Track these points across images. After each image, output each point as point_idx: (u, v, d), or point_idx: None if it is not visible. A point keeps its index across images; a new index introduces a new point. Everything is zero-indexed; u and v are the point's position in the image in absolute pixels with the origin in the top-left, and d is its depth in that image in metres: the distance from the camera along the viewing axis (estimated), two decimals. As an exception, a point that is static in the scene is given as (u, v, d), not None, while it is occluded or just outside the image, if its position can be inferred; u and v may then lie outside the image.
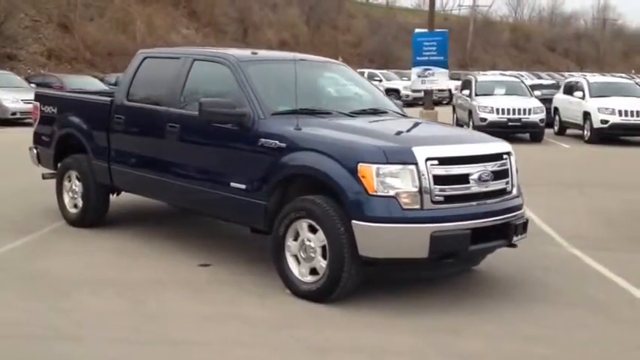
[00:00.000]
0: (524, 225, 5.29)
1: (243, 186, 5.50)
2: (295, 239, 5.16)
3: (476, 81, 18.47)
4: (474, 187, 4.96)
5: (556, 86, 22.23)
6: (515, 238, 5.18)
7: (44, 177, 8.10)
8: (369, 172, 4.71)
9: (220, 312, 4.90)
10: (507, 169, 5.25)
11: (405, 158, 4.74)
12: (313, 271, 5.06)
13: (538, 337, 4.49)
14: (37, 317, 4.74)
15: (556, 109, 19.36)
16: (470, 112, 17.60)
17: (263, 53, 6.44)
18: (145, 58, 6.83)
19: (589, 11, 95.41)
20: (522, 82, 20.28)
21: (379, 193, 4.69)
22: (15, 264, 6.00)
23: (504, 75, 27.33)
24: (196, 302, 5.09)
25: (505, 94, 17.96)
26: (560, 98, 19.45)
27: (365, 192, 4.71)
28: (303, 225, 5.08)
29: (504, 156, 5.27)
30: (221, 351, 4.22)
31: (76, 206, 7.39)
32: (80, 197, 7.30)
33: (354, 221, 4.74)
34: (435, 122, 8.90)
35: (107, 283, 5.48)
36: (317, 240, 4.99)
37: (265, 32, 44.88)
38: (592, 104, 17.21)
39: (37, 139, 7.94)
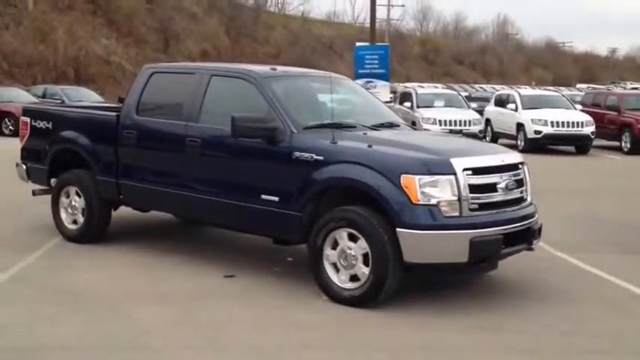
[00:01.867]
0: (540, 230, 5.78)
1: (275, 198, 5.71)
2: (333, 248, 5.42)
3: (416, 93, 19.23)
4: (501, 195, 5.40)
5: (484, 99, 23.36)
6: (534, 242, 5.66)
7: (35, 193, 7.99)
8: (412, 182, 5.05)
9: (274, 318, 5.11)
10: (523, 179, 5.72)
11: (445, 169, 5.12)
12: (353, 278, 5.34)
13: (575, 332, 4.97)
14: (93, 330, 4.80)
15: (488, 120, 20.39)
16: (413, 124, 18.28)
17: (281, 69, 6.67)
18: (153, 73, 6.91)
19: (490, 26, 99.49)
20: (459, 94, 21.25)
21: (422, 202, 5.04)
22: (39, 281, 5.96)
23: (437, 87, 28.41)
24: (244, 310, 5.28)
25: (444, 106, 18.81)
26: (491, 110, 20.51)
27: (409, 201, 5.05)
28: (342, 234, 5.35)
29: (520, 166, 5.73)
30: (299, 353, 4.45)
31: (75, 222, 7.32)
32: (80, 213, 7.26)
33: (398, 229, 5.06)
34: (448, 134, 9.30)
35: (145, 296, 5.59)
36: (358, 248, 5.27)
37: (186, 43, 44.51)
38: (525, 116, 18.29)
39: (27, 155, 7.82)
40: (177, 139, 6.37)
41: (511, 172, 5.54)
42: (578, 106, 20.17)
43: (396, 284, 5.27)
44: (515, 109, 18.88)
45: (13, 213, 8.67)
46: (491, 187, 5.33)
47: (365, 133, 5.83)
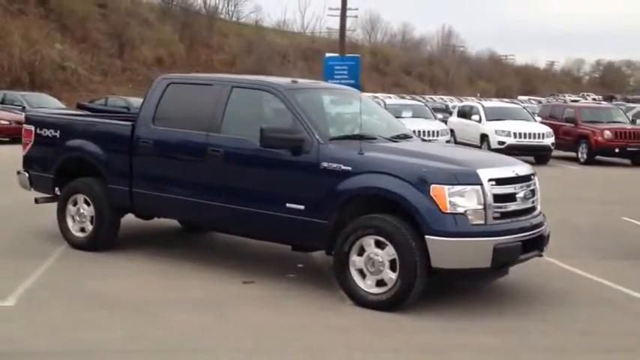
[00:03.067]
0: (548, 237, 6.15)
1: (301, 206, 5.92)
2: (360, 255, 5.67)
3: (385, 104, 19.65)
4: (519, 205, 5.74)
5: (445, 110, 24.01)
6: (544, 249, 6.03)
7: (37, 201, 7.99)
8: (442, 192, 5.35)
9: (309, 322, 5.33)
10: (534, 189, 6.08)
11: (472, 180, 5.44)
12: (379, 283, 5.60)
13: (593, 332, 5.35)
14: (138, 334, 4.94)
15: (452, 130, 20.97)
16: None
17: (301, 82, 6.89)
18: (169, 84, 7.03)
19: (435, 37, 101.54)
20: (426, 105, 21.81)
21: (451, 211, 5.34)
22: (66, 287, 6.03)
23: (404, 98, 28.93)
24: (276, 314, 5.48)
25: (412, 116, 19.30)
26: (455, 121, 21.14)
27: (438, 210, 5.34)
28: (369, 241, 5.61)
29: (532, 177, 6.10)
30: (349, 355, 4.67)
31: (83, 230, 7.36)
32: (89, 221, 7.31)
33: (427, 236, 5.35)
34: (462, 146, 9.54)
35: (175, 301, 5.72)
36: (386, 254, 5.53)
37: (141, 49, 44.12)
38: (489, 127, 18.95)
39: (30, 163, 7.82)
40: (198, 148, 6.52)
41: (526, 183, 5.90)
42: (538, 118, 20.94)
43: (422, 289, 5.54)
44: (479, 121, 19.53)
45: (9, 221, 8.63)
46: (511, 197, 5.67)
47: (388, 145, 6.10)
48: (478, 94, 77.05)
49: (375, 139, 6.26)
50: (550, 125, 20.04)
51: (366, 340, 4.97)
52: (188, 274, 6.56)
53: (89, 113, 12.84)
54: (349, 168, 5.72)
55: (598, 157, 19.51)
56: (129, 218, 7.60)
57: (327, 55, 20.71)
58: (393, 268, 5.51)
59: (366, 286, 5.64)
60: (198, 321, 5.25)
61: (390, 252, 5.51)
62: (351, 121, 6.55)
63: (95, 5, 43.13)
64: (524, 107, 22.20)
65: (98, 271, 6.60)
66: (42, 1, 39.37)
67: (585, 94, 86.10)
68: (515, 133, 18.60)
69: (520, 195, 5.74)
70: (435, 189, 5.36)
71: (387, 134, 6.53)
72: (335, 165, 5.78)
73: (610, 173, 18.12)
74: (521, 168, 6.01)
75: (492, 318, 5.55)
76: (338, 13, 66.39)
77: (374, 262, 5.59)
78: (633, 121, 20.76)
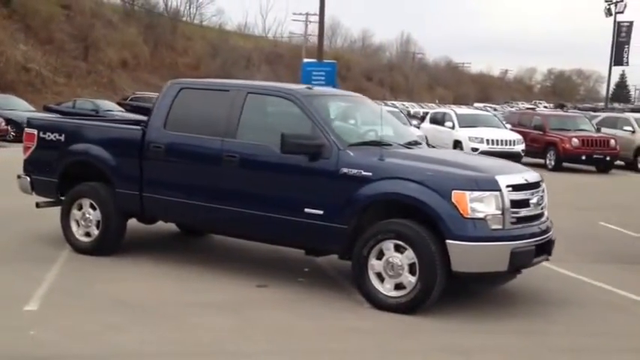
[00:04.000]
0: (554, 242, 6.39)
1: (320, 212, 6.03)
2: (378, 258, 5.81)
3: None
4: (531, 210, 5.96)
5: (417, 116, 24.37)
6: (552, 253, 6.28)
7: (39, 205, 7.93)
8: (463, 198, 5.53)
9: (332, 325, 5.45)
10: (543, 195, 6.32)
11: (492, 186, 5.64)
12: (398, 286, 5.75)
13: (601, 333, 5.62)
14: (163, 337, 4.99)
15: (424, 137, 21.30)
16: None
17: (317, 89, 7.00)
18: (181, 89, 7.07)
19: (394, 44, 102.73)
20: (401, 111, 22.13)
21: (471, 216, 5.53)
22: (82, 291, 6.03)
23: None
24: (298, 317, 5.59)
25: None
26: (428, 127, 21.50)
27: (460, 215, 5.52)
28: (389, 245, 5.75)
29: (541, 183, 6.33)
30: (382, 357, 4.81)
31: (88, 234, 7.34)
32: (95, 225, 7.29)
33: (449, 241, 5.52)
34: (474, 153, 9.66)
35: (193, 305, 5.78)
36: (405, 258, 5.69)
37: (106, 51, 43.53)
38: (462, 134, 19.35)
39: (32, 167, 7.75)
40: (213, 153, 6.57)
41: (536, 189, 6.13)
42: (508, 125, 21.44)
43: (440, 292, 5.72)
44: (452, 127, 19.91)
45: (6, 225, 8.55)
46: (525, 203, 5.89)
47: (406, 152, 6.28)
48: (437, 101, 78.21)
49: (390, 145, 6.41)
50: (519, 132, 20.55)
51: (393, 342, 5.11)
52: (199, 278, 6.61)
53: (95, 118, 12.74)
54: (370, 174, 5.86)
55: (565, 164, 20.06)
56: (130, 222, 7.60)
57: (305, 60, 20.93)
58: (412, 271, 5.67)
59: (385, 289, 5.79)
60: (220, 324, 5.33)
61: (409, 256, 5.66)
62: (364, 127, 6.70)
63: (59, 6, 42.40)
64: (495, 115, 22.70)
65: (109, 275, 6.60)
66: (5, 2, 38.55)
67: (537, 101, 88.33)
68: (487, 140, 19.03)
69: (533, 201, 5.97)
70: (456, 195, 5.54)
71: (401, 140, 6.70)
72: (355, 171, 5.91)
73: (578, 180, 18.65)
74: (532, 175, 6.23)
75: (507, 320, 5.75)
76: (302, 18, 67.57)
77: (393, 265, 5.73)
78: (598, 130, 21.41)
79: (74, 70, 39.49)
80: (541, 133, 20.73)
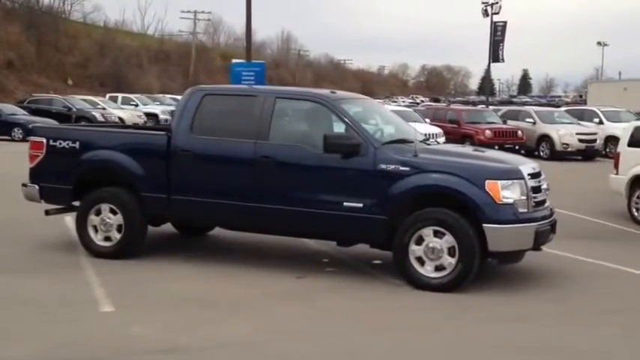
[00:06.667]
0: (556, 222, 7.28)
1: (359, 205, 6.59)
2: (418, 244, 6.45)
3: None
4: (542, 195, 6.81)
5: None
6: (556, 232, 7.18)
7: (49, 213, 7.96)
8: (496, 186, 6.28)
9: (386, 305, 6.06)
10: (546, 182, 7.17)
11: (517, 175, 6.44)
12: (438, 268, 6.42)
13: (613, 296, 6.59)
14: (262, 325, 5.38)
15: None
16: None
17: (340, 93, 7.51)
18: (205, 95, 7.36)
19: (275, 41, 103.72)
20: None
21: (503, 202, 6.29)
22: (141, 292, 6.24)
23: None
24: (354, 301, 6.16)
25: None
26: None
27: (494, 202, 6.27)
28: (428, 232, 6.41)
29: (541, 173, 7.20)
30: (444, 327, 5.47)
31: (108, 239, 7.47)
32: (115, 230, 7.44)
33: (485, 225, 6.26)
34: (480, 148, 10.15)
35: (261, 297, 6.19)
36: (445, 242, 6.37)
37: (-9, 51, 41.36)
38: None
39: (41, 175, 7.74)
40: (247, 155, 6.95)
41: (542, 177, 6.99)
42: (427, 120, 22.63)
43: (476, 271, 6.44)
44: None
45: (11, 233, 8.51)
46: (539, 189, 6.73)
47: (431, 147, 6.96)
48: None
49: (412, 142, 7.06)
50: (437, 127, 21.79)
51: (456, 315, 5.80)
52: (243, 273, 6.94)
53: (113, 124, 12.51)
54: (407, 169, 6.49)
55: (478, 155, 21.50)
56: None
57: (234, 60, 21.10)
58: (450, 254, 6.35)
59: (426, 271, 6.44)
60: (297, 311, 5.81)
61: (448, 240, 6.34)
62: (384, 127, 7.31)
63: None
64: (415, 110, 23.89)
65: (152, 275, 6.83)
66: None
67: (414, 96, 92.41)
68: (413, 134, 20.07)
69: (544, 187, 6.82)
70: (489, 184, 6.29)
71: (418, 138, 7.37)
72: (393, 166, 6.52)
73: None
74: (536, 165, 7.09)
75: (531, 291, 6.57)
76: (191, 16, 66.84)
77: (434, 249, 6.39)
78: (504, 122, 23.12)
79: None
80: (456, 126, 22.13)
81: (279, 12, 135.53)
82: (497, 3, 45.84)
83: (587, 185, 15.27)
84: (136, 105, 34.92)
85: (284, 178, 6.90)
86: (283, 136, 7.02)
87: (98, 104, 31.54)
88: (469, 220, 6.32)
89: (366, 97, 8.50)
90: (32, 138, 7.91)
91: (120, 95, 36.90)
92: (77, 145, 7.59)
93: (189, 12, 66.55)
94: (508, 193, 6.34)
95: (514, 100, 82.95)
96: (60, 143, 7.64)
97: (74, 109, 29.30)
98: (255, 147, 6.94)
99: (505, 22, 48.38)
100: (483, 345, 5.12)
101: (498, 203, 6.28)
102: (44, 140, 7.73)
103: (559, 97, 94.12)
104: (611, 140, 23.49)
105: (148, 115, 33.17)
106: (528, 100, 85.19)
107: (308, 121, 7.21)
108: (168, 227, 8.49)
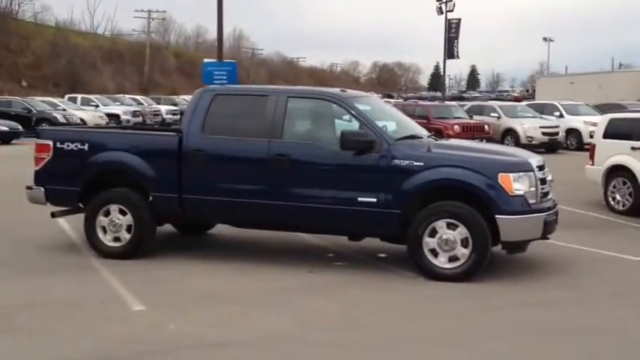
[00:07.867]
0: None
1: (373, 200, 6.77)
2: (431, 236, 6.68)
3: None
4: (547, 187, 7.11)
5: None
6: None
7: (54, 215, 7.95)
8: (508, 179, 6.55)
9: (410, 296, 6.27)
10: (549, 175, 7.47)
11: (527, 167, 6.73)
12: (451, 259, 6.65)
13: (621, 282, 6.92)
14: (292, 320, 5.52)
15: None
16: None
17: (349, 91, 7.69)
18: (215, 95, 7.46)
19: (227, 40, 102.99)
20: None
21: (514, 194, 6.57)
22: (165, 290, 6.31)
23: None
24: (375, 292, 6.36)
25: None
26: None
27: (506, 194, 6.54)
28: (441, 224, 6.64)
29: (545, 165, 7.49)
30: (470, 314, 5.71)
31: (117, 239, 7.50)
32: (125, 230, 7.48)
33: (498, 216, 6.52)
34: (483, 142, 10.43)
35: (286, 291, 6.32)
36: (458, 234, 6.60)
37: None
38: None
39: (47, 178, 7.71)
40: (261, 153, 7.07)
41: (546, 170, 7.29)
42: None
43: (487, 261, 6.71)
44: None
45: (6, 237, 8.50)
46: (544, 181, 7.02)
47: (441, 142, 7.20)
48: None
49: (421, 138, 7.29)
50: (405, 122, 22.18)
51: (482, 302, 6.05)
52: (248, 269, 7.03)
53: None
54: (421, 163, 6.70)
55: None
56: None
57: (206, 60, 21.01)
58: (464, 245, 6.60)
59: (440, 262, 6.67)
60: (325, 304, 5.95)
61: (462, 232, 6.58)
62: (392, 123, 7.53)
63: None
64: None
65: (166, 273, 6.89)
66: None
67: (370, 92, 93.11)
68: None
69: (549, 179, 7.14)
70: (502, 177, 6.55)
71: (425, 134, 7.60)
72: (407, 162, 6.73)
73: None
74: (541, 158, 7.40)
75: (540, 279, 6.86)
76: (144, 15, 65.97)
77: (447, 241, 6.62)
78: (471, 117, 23.64)
79: None
80: (426, 121, 22.46)
81: (231, 11, 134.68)
82: (451, 1, 46.58)
83: (556, 177, 15.73)
84: (97, 106, 34.36)
85: (299, 175, 7.03)
86: (297, 135, 7.19)
87: (59, 105, 30.93)
88: (481, 211, 6.58)
89: (373, 94, 8.71)
90: (38, 141, 7.87)
91: (79, 96, 36.23)
92: (86, 147, 7.58)
93: (143, 11, 65.71)
94: (519, 185, 6.61)
95: (464, 95, 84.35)
96: (68, 145, 7.63)
97: (34, 111, 28.69)
98: (269, 145, 7.06)
99: (459, 20, 49.20)
100: (511, 328, 5.38)
101: (510, 195, 6.55)
102: (50, 143, 7.70)
103: (507, 91, 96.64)
104: (572, 133, 24.39)
105: (110, 115, 32.70)
106: (478, 95, 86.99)
107: (321, 119, 7.37)
108: (168, 227, 8.53)
